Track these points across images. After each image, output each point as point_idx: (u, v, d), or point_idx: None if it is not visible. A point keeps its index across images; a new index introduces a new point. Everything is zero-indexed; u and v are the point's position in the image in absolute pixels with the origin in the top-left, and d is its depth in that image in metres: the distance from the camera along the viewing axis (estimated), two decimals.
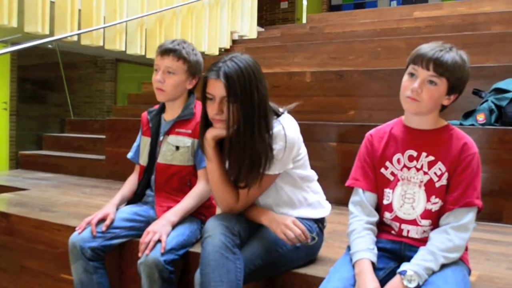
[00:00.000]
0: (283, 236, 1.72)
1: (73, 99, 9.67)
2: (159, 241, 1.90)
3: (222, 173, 1.81)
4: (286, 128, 1.77)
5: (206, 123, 1.80)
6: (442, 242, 1.50)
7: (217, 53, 7.11)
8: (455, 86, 1.55)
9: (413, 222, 1.62)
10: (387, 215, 1.67)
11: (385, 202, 1.67)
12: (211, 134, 1.78)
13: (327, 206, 2.00)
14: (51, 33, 4.97)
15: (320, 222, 1.96)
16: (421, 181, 1.61)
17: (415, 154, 1.63)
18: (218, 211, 2.00)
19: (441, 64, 1.50)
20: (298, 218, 1.85)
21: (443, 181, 1.58)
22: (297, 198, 1.90)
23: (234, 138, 1.73)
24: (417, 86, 1.53)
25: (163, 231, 1.93)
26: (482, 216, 2.70)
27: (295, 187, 1.90)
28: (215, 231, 1.69)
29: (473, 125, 3.17)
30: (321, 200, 1.99)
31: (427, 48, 1.54)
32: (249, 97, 1.70)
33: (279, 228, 1.73)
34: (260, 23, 10.11)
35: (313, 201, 1.94)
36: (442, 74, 1.51)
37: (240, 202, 1.82)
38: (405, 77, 1.59)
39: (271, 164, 1.75)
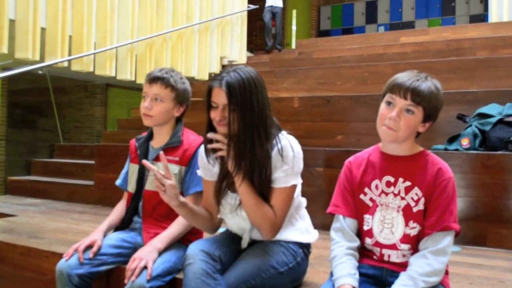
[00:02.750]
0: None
1: (63, 124, 9.67)
2: (145, 267, 1.91)
3: (254, 191, 1.81)
4: (291, 141, 1.85)
5: (211, 128, 1.85)
6: (421, 267, 1.53)
7: (207, 78, 7.17)
8: (431, 114, 1.60)
9: (393, 247, 1.65)
10: (368, 241, 1.70)
11: (365, 228, 1.70)
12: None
13: (314, 233, 2.03)
14: (42, 59, 5.01)
15: (305, 248, 1.97)
16: (399, 206, 1.64)
17: (392, 180, 1.67)
18: (205, 237, 2.01)
19: (418, 93, 1.55)
20: (282, 241, 1.89)
21: (420, 206, 1.62)
22: (284, 222, 1.92)
23: (235, 147, 1.77)
24: (395, 115, 1.57)
25: (149, 258, 1.94)
26: (466, 240, 2.74)
27: None
28: (195, 258, 1.72)
29: (457, 149, 3.22)
30: (308, 227, 2.02)
31: (404, 78, 1.58)
32: (249, 106, 1.76)
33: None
34: (250, 48, 10.24)
35: (300, 227, 1.97)
36: (419, 103, 1.56)
37: (276, 215, 1.82)
38: (382, 106, 1.63)
39: (289, 175, 1.81)
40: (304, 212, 2.03)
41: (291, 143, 1.84)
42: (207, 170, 1.97)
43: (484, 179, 2.81)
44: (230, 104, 1.75)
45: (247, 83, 1.78)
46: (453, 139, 3.38)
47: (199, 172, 2.01)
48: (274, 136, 1.83)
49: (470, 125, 3.36)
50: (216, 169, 1.93)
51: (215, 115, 1.79)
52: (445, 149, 3.31)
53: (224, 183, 1.89)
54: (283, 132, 1.90)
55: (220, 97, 1.77)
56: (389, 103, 1.60)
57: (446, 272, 1.63)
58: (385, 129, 1.59)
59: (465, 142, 3.25)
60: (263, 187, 1.82)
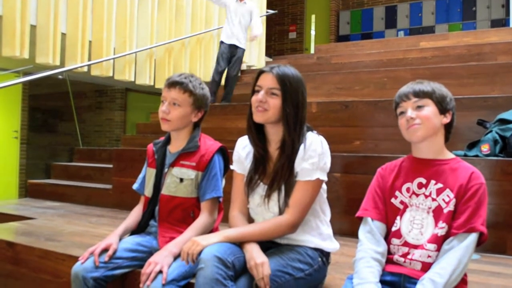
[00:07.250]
0: (251, 271, 1.73)
1: (83, 128, 9.77)
2: (160, 272, 1.91)
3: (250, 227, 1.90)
4: (320, 139, 1.91)
5: (251, 119, 1.93)
6: (443, 268, 1.52)
7: None
8: (442, 104, 1.67)
9: (420, 247, 1.65)
10: (396, 241, 1.70)
11: (393, 228, 1.71)
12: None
13: (336, 244, 2.03)
14: (62, 64, 5.07)
15: (324, 256, 1.97)
16: (430, 207, 1.66)
17: (424, 181, 1.69)
18: None
19: (418, 90, 1.67)
20: (300, 246, 1.90)
21: (451, 207, 1.62)
22: (310, 224, 1.94)
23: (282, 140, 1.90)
24: (410, 114, 1.66)
25: (165, 262, 1.94)
26: (486, 248, 2.69)
27: (313, 214, 1.94)
28: (208, 263, 1.69)
29: (477, 155, 3.17)
30: (332, 236, 2.03)
31: (403, 88, 1.72)
32: (294, 95, 1.88)
33: (250, 263, 1.74)
34: (269, 53, 10.23)
35: (323, 232, 1.97)
36: (424, 96, 1.65)
37: (291, 213, 1.85)
38: (399, 119, 1.72)
39: (314, 169, 1.86)
40: (328, 220, 2.04)
41: (320, 140, 1.90)
42: (240, 163, 2.06)
43: (504, 186, 2.76)
44: (276, 88, 1.85)
45: (296, 74, 1.91)
46: (473, 145, 3.33)
47: (232, 166, 2.10)
48: (304, 133, 1.91)
49: (491, 131, 3.31)
50: (248, 162, 2.01)
51: (255, 99, 1.88)
52: (465, 155, 3.26)
53: (256, 175, 1.97)
54: (314, 132, 1.96)
55: (267, 80, 1.88)
56: (401, 113, 1.70)
57: (465, 282, 1.61)
58: (410, 129, 1.66)
59: (485, 148, 3.20)
60: (287, 181, 1.87)
